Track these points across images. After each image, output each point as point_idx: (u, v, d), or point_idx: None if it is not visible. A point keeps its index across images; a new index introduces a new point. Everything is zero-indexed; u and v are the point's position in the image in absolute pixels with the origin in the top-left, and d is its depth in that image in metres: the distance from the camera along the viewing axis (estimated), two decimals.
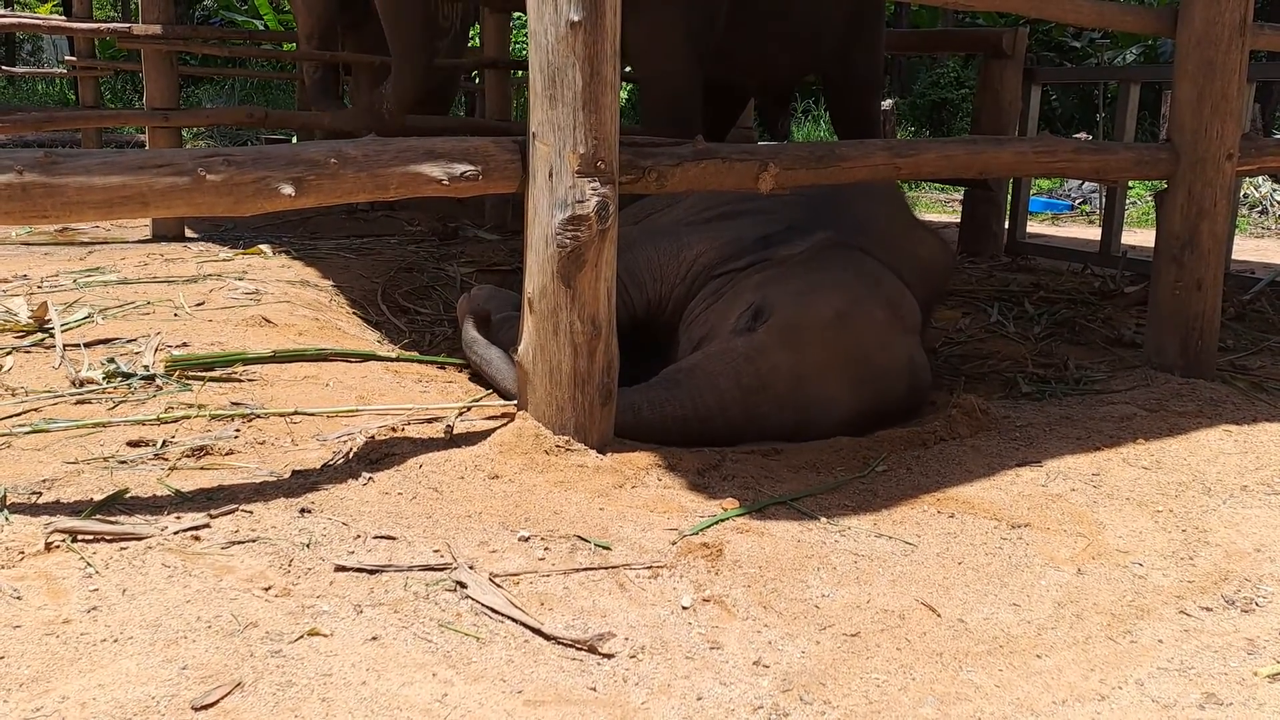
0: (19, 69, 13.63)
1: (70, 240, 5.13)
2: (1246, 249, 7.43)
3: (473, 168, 2.00)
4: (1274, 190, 9.98)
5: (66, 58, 8.38)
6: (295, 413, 2.21)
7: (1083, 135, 11.88)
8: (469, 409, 2.36)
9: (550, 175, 2.03)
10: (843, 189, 2.91)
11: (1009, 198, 5.84)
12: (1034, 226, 8.37)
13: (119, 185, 1.69)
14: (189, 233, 5.40)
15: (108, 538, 1.63)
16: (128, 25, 5.35)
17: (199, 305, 3.21)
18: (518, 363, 2.17)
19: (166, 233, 5.24)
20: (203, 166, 1.74)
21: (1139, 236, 6.64)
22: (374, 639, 1.41)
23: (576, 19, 1.95)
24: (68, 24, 6.17)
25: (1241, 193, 9.97)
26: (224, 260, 4.17)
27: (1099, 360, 3.32)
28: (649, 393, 2.34)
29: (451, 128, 6.13)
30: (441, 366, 2.90)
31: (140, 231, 5.37)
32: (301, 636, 1.38)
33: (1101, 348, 3.52)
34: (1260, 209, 9.84)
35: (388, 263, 4.39)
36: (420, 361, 2.88)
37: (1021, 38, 5.57)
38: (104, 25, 5.79)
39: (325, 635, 1.40)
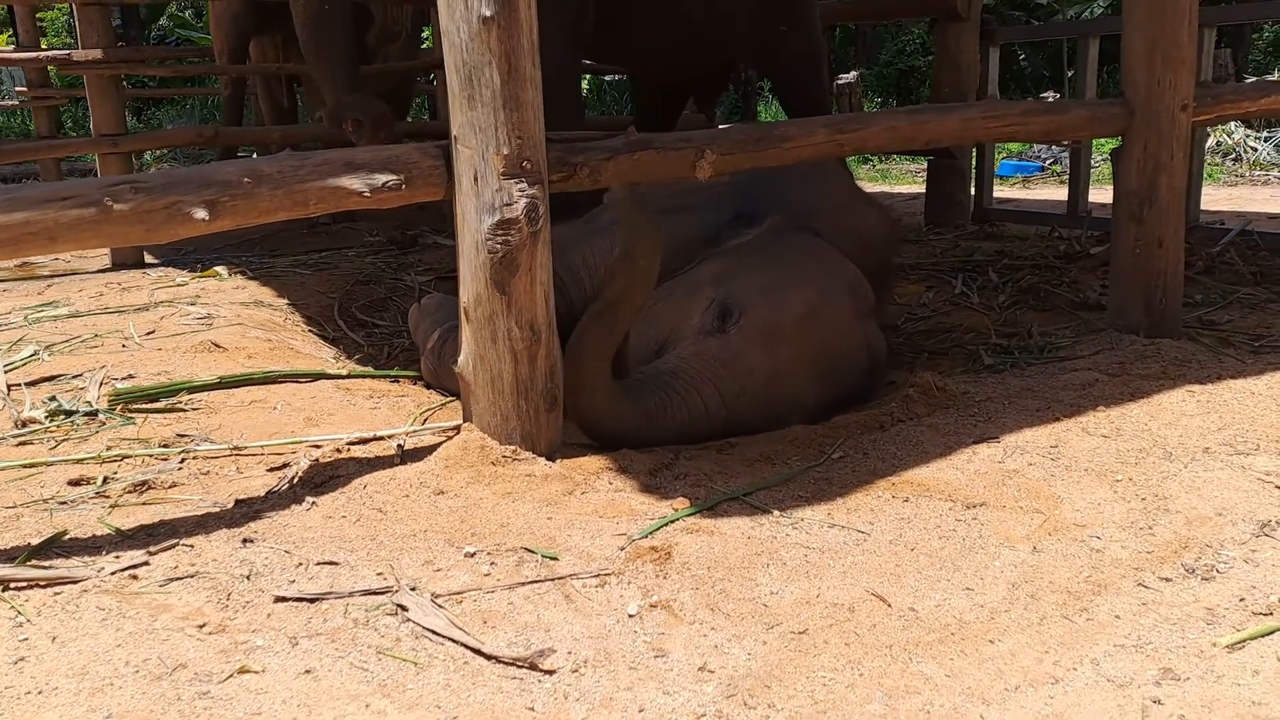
0: None
1: (30, 275, 5.05)
2: (1219, 198, 7.41)
3: (395, 177, 1.95)
4: (1247, 136, 9.96)
5: (18, 89, 8.28)
6: (233, 449, 2.15)
7: (1049, 95, 11.84)
8: (417, 428, 2.31)
9: (475, 179, 1.98)
10: (781, 170, 2.86)
11: (974, 165, 5.80)
12: (1005, 191, 8.35)
13: (22, 222, 1.64)
14: (149, 258, 5.33)
15: (41, 584, 1.59)
16: (67, 52, 5.27)
17: (149, 334, 3.15)
18: (459, 374, 2.13)
19: (125, 260, 5.17)
20: (109, 196, 1.69)
21: (1108, 193, 6.61)
22: (307, 672, 1.36)
23: (489, 14, 1.90)
24: (8, 54, 6.08)
25: (1214, 139, 9.97)
26: (178, 285, 4.12)
27: (1064, 325, 3.28)
28: (645, 402, 2.27)
29: (416, 132, 6.08)
30: (395, 380, 2.85)
31: (100, 261, 5.30)
32: (231, 675, 1.34)
33: (1067, 312, 3.48)
34: (1234, 156, 9.82)
35: (345, 276, 4.34)
36: (372, 377, 2.83)
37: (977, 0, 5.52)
38: (43, 54, 5.72)
39: (256, 672, 1.35)
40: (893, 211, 3.49)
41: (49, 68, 8.62)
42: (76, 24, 5.19)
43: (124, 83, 12.22)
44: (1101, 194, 5.95)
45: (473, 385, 2.09)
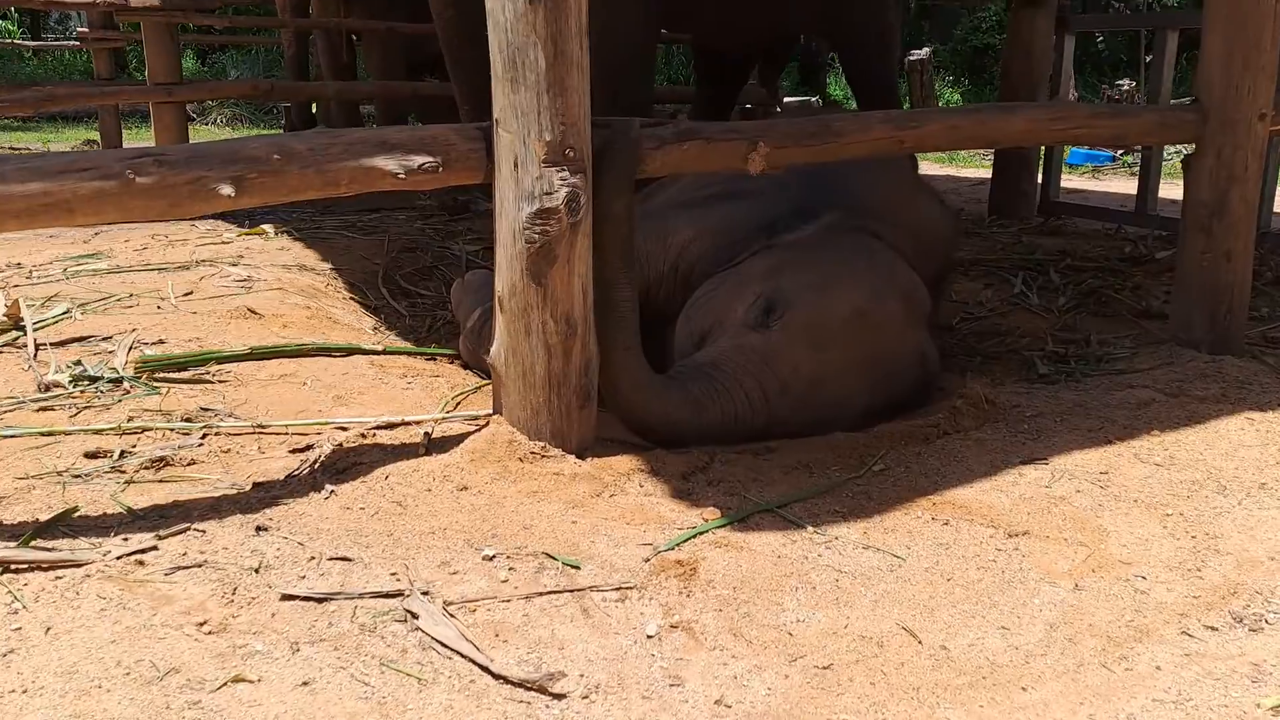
0: (31, 43, 13.64)
1: None
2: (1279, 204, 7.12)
3: (431, 159, 1.89)
4: None
5: (79, 30, 8.32)
6: (257, 427, 2.12)
7: (1126, 83, 11.45)
8: (446, 415, 2.26)
9: (515, 165, 1.91)
10: (845, 161, 2.76)
11: (1042, 154, 5.61)
12: (1074, 181, 8.10)
13: (40, 192, 1.60)
14: None
15: (43, 566, 1.56)
16: None
17: (186, 295, 3.14)
18: (490, 365, 2.07)
19: None
20: (131, 169, 1.64)
21: (1180, 189, 6.34)
22: (305, 684, 1.33)
23: None
24: None
25: None
26: (223, 243, 4.11)
27: (1124, 334, 3.15)
28: (693, 389, 2.21)
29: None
30: (431, 358, 2.81)
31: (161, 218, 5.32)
32: (225, 684, 1.31)
33: (1128, 320, 3.35)
34: None
35: (392, 241, 4.30)
36: (408, 354, 2.79)
37: None
38: (101, 0, 5.72)
39: (252, 682, 1.32)
40: (954, 208, 3.36)
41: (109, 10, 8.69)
42: None
43: (189, 28, 12.32)
44: (1173, 189, 5.73)
45: (504, 377, 2.03)
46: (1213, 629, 1.54)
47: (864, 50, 4.78)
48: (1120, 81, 11.78)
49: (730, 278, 2.44)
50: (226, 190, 1.72)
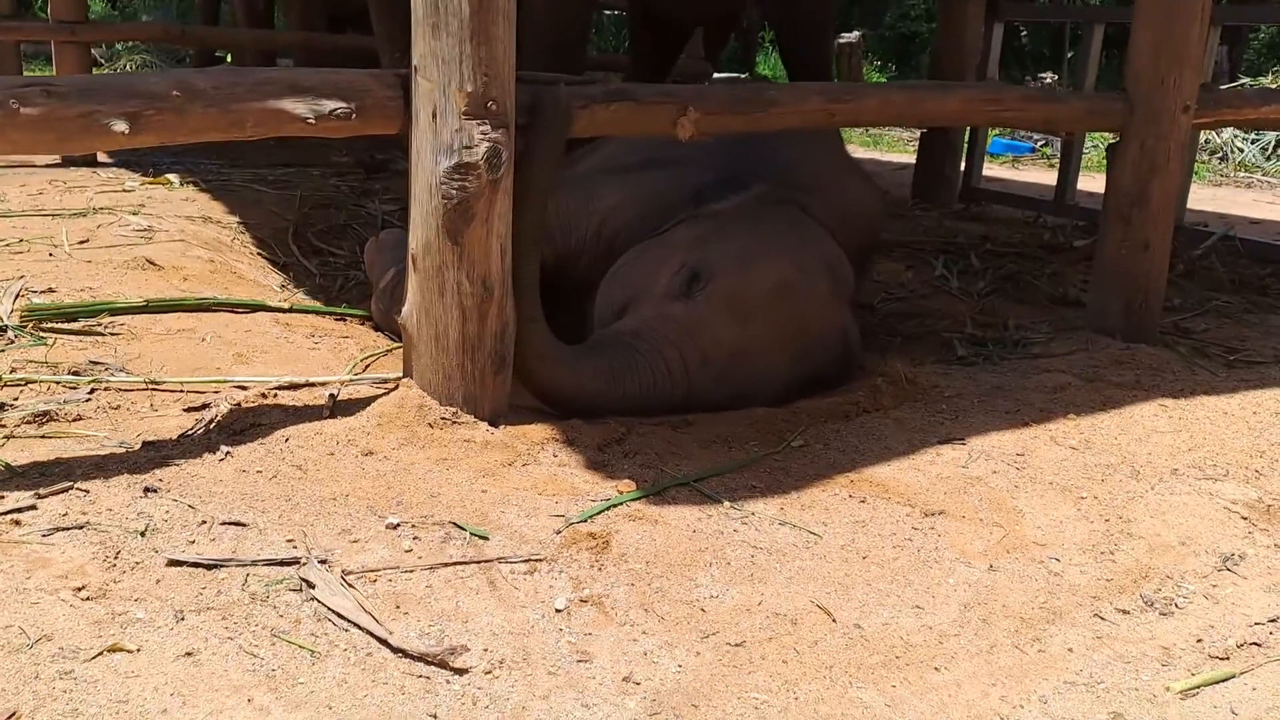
0: None
1: None
2: (1203, 197, 7.32)
3: (345, 105, 1.78)
4: (1235, 137, 9.87)
5: None
6: (150, 384, 2.00)
7: (1048, 76, 11.69)
8: (354, 377, 2.16)
9: (434, 116, 1.82)
10: (775, 133, 2.72)
11: (965, 141, 5.66)
12: (994, 169, 8.21)
13: None
14: (102, 157, 5.08)
15: None
16: None
17: (82, 243, 2.96)
18: (401, 325, 1.98)
19: (77, 156, 4.91)
20: (15, 98, 1.51)
21: (1097, 182, 6.47)
22: (188, 655, 1.24)
23: None
24: None
25: (1203, 138, 9.89)
26: (124, 191, 3.91)
27: (1042, 320, 3.18)
28: (609, 359, 2.14)
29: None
30: (341, 319, 2.70)
31: (49, 155, 5.04)
32: (101, 653, 1.22)
33: (1045, 306, 3.39)
34: (1221, 155, 9.73)
35: (305, 197, 4.14)
36: (317, 313, 2.67)
37: None
38: None
39: (130, 651, 1.23)
40: (881, 189, 3.35)
41: None
42: None
43: None
44: (1090, 182, 5.86)
45: (415, 339, 1.95)
46: (1124, 612, 1.54)
47: (804, 29, 4.75)
48: (1042, 75, 12.01)
49: (654, 246, 2.38)
50: (120, 126, 1.59)
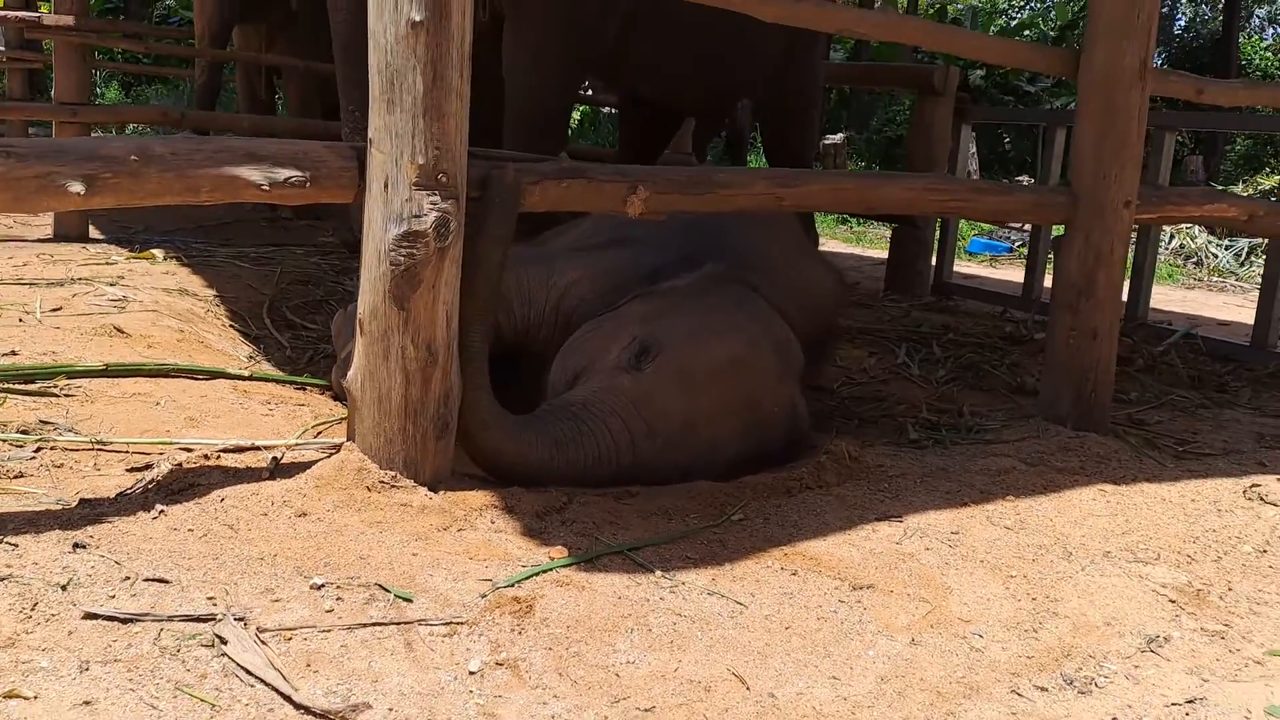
0: None
1: None
2: (1174, 299, 7.46)
3: (299, 173, 1.85)
4: (1209, 242, 10.09)
5: None
6: (96, 443, 2.02)
7: (1024, 179, 11.99)
8: (302, 441, 2.19)
9: (386, 186, 1.88)
10: (738, 218, 2.80)
11: (937, 237, 5.79)
12: (972, 268, 8.37)
13: None
14: (94, 233, 5.18)
15: None
16: (37, 15, 5.14)
17: (54, 310, 3.01)
18: (346, 389, 2.02)
19: (69, 232, 5.00)
20: None
21: None
22: (86, 704, 1.24)
23: (418, 19, 1.81)
24: None
25: (1179, 242, 10.10)
26: (106, 264, 3.97)
27: (998, 408, 3.22)
28: (553, 430, 2.16)
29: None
30: (301, 387, 2.73)
31: (43, 230, 5.14)
32: None
33: (1003, 395, 3.43)
34: (1195, 260, 9.93)
35: (285, 273, 4.21)
36: (276, 381, 2.70)
37: (953, 75, 5.53)
38: (10, 14, 5.56)
39: (27, 698, 1.23)
40: (842, 274, 3.43)
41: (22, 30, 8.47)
42: None
43: (118, 56, 12.06)
44: None
45: (360, 402, 1.98)
46: (1042, 689, 1.54)
47: (792, 120, 4.87)
48: (1019, 177, 12.31)
49: (608, 320, 2.43)
50: (76, 188, 1.65)
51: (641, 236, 2.77)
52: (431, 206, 1.87)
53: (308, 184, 1.86)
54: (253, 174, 1.80)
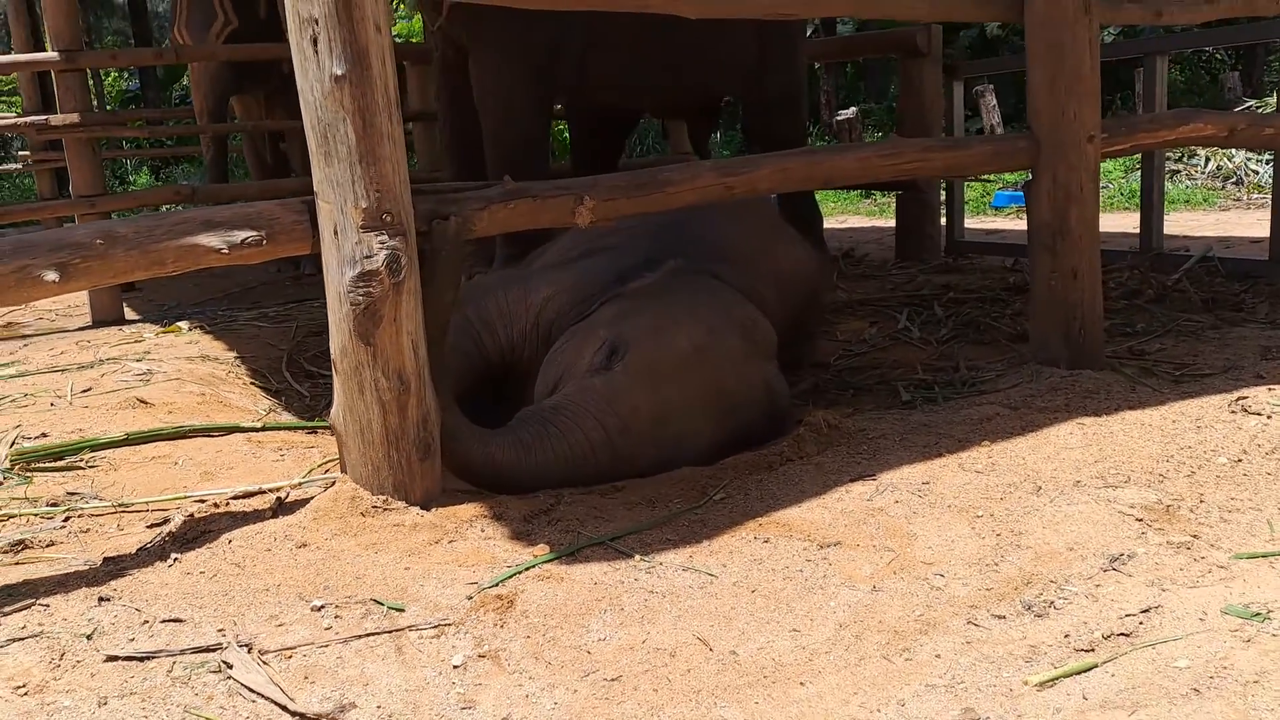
0: None
1: (13, 335, 5.17)
2: (1207, 223, 7.35)
3: (255, 233, 1.99)
4: (1248, 160, 9.86)
5: (20, 153, 8.52)
6: (119, 506, 2.18)
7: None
8: (305, 480, 2.32)
9: (336, 233, 2.01)
10: (702, 211, 2.89)
11: (944, 197, 5.80)
12: (999, 222, 8.33)
13: None
14: (130, 314, 5.44)
15: None
16: (45, 117, 5.42)
17: (85, 391, 3.21)
18: (331, 425, 2.15)
19: (106, 317, 5.26)
20: None
21: (1112, 221, 6.37)
22: None
23: (340, 73, 1.94)
24: None
25: (1215, 164, 9.90)
26: (135, 343, 4.18)
27: (998, 359, 3.26)
28: (520, 433, 2.29)
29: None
30: (312, 431, 2.88)
31: (82, 319, 5.41)
32: None
33: (1004, 345, 3.47)
34: (1235, 179, 9.71)
35: (300, 327, 4.39)
36: (288, 428, 2.86)
37: (936, 35, 5.55)
38: (20, 120, 5.87)
39: None
40: (821, 250, 3.49)
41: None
42: (56, 90, 5.33)
43: (144, 143, 12.57)
44: (1108, 219, 5.90)
45: (344, 436, 2.11)
46: (1000, 617, 1.60)
47: (777, 112, 4.89)
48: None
49: (582, 329, 2.54)
50: (51, 276, 1.81)
51: (612, 244, 2.88)
52: (380, 246, 2.00)
53: (264, 242, 2.00)
54: (212, 240, 1.94)
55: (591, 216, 2.29)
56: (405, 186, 2.04)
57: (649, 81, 4.44)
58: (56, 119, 5.25)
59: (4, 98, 16.32)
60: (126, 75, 19.78)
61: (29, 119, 5.66)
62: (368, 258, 1.99)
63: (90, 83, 5.54)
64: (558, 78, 4.18)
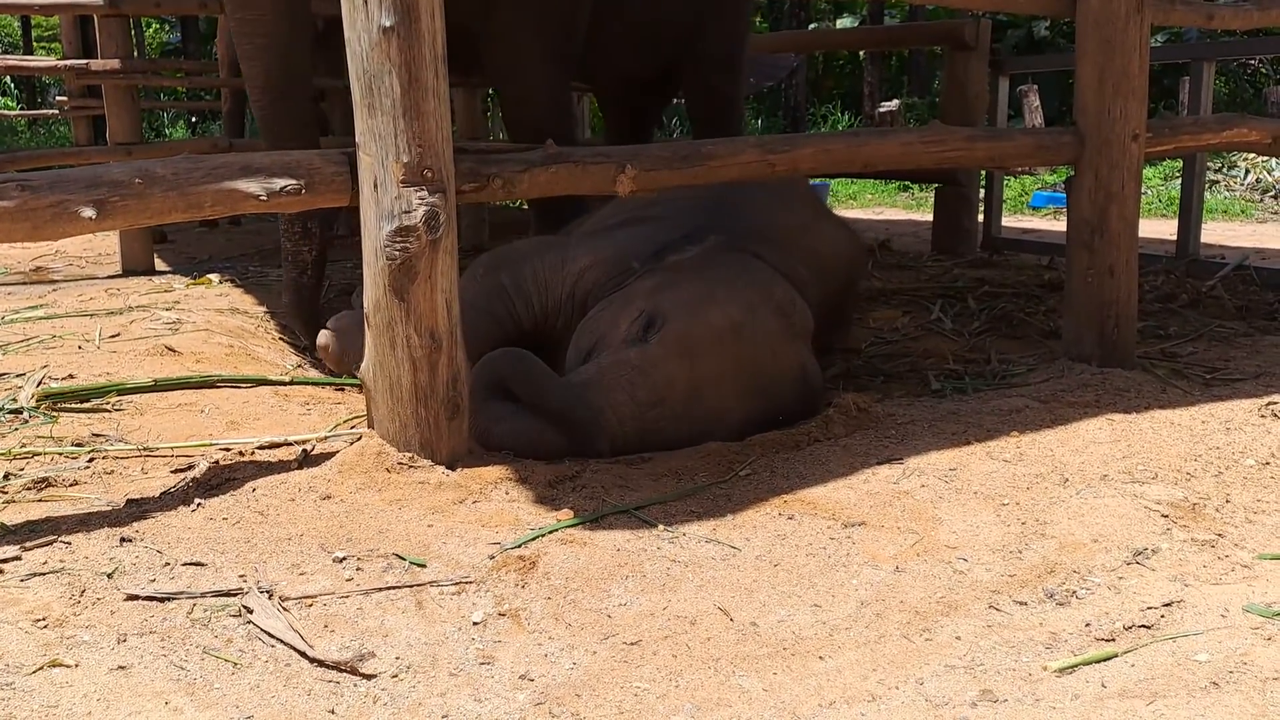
0: (13, 113, 13.97)
1: (42, 279, 5.21)
2: (1243, 234, 7.25)
3: (295, 182, 1.98)
4: None
5: (58, 98, 8.56)
6: (143, 450, 2.20)
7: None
8: (332, 434, 2.33)
9: (375, 187, 2.01)
10: (744, 189, 2.87)
11: (983, 193, 5.74)
12: (1034, 222, 8.24)
13: None
14: (160, 265, 5.48)
15: None
16: (85, 61, 5.44)
17: (113, 337, 3.23)
18: (360, 380, 2.15)
19: (136, 267, 5.30)
20: None
21: (1149, 226, 6.25)
22: (121, 668, 1.38)
23: (389, 24, 1.93)
24: (25, 62, 6.29)
25: (1253, 178, 9.76)
26: (166, 292, 4.21)
27: (1029, 354, 3.23)
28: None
29: None
30: (340, 388, 2.88)
31: (112, 267, 5.45)
32: (40, 668, 1.37)
33: (1036, 340, 3.43)
34: (1273, 193, 9.57)
35: (333, 285, 4.40)
36: (315, 384, 2.86)
37: (985, 28, 5.48)
38: (60, 63, 5.89)
39: (69, 666, 1.38)
40: (859, 236, 3.46)
41: None
42: (97, 36, 5.35)
43: (182, 94, 12.60)
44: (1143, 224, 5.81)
45: (373, 391, 2.11)
46: (1021, 604, 1.59)
47: (712, 72, 4.75)
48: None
49: (618, 299, 2.53)
50: (88, 213, 1.81)
51: (653, 216, 2.86)
52: (420, 201, 1.99)
53: (303, 191, 2.00)
54: (250, 186, 1.94)
55: (632, 185, 2.28)
56: (447, 143, 2.03)
57: (627, 58, 4.38)
58: (97, 64, 5.27)
59: (44, 44, 16.40)
60: (168, 27, 19.83)
61: (69, 62, 5.69)
62: (406, 213, 1.98)
63: (131, 32, 5.54)
64: (572, 52, 4.12)
